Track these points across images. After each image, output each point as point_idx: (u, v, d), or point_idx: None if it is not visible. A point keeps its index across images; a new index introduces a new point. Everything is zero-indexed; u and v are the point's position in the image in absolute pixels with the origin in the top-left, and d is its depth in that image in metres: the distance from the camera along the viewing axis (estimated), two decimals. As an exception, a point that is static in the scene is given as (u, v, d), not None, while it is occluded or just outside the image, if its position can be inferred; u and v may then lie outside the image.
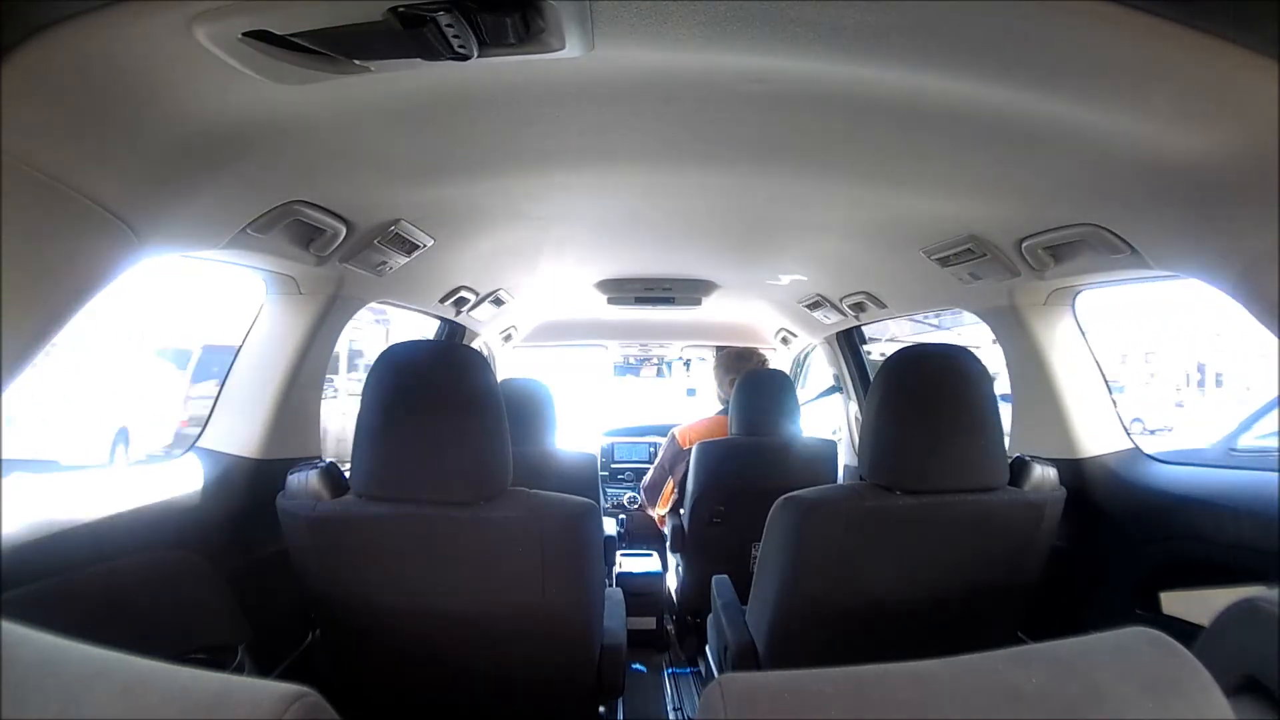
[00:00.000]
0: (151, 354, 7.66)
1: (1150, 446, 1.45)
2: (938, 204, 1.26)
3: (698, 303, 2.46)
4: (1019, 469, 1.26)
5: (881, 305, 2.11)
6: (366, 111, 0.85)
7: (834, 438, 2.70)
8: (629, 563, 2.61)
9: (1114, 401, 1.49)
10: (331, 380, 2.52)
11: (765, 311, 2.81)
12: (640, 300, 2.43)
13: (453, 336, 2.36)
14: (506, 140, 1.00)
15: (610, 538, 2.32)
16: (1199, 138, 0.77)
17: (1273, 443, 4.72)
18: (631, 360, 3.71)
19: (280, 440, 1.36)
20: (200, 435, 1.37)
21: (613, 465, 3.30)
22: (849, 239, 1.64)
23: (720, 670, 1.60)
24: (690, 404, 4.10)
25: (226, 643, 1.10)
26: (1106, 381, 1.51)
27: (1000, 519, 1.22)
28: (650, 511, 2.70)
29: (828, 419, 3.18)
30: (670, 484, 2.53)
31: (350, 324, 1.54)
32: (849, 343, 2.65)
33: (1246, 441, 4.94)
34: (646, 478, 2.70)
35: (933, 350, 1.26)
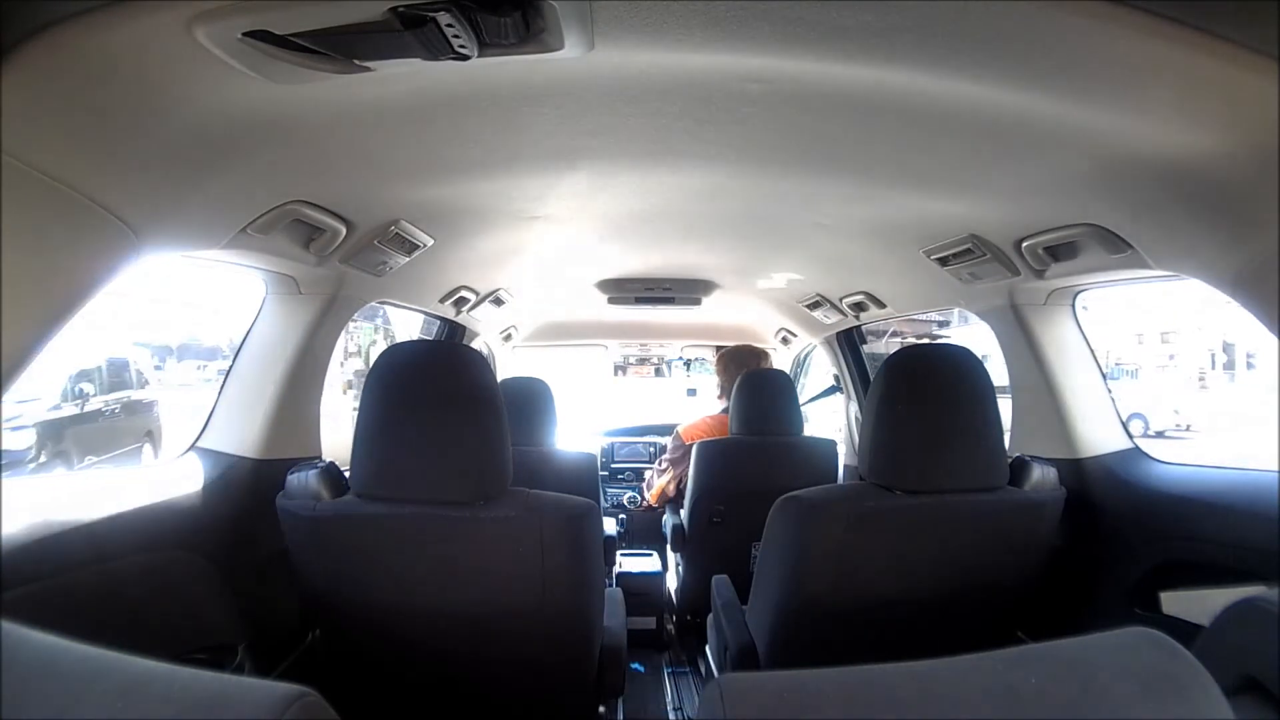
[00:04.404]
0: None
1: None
2: (938, 204, 1.26)
3: (698, 302, 2.46)
4: (1019, 469, 1.26)
5: (881, 305, 2.11)
6: (366, 111, 0.85)
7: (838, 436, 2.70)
8: (629, 563, 2.61)
9: (1114, 401, 1.50)
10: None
11: (765, 311, 2.82)
12: (640, 300, 2.43)
13: (453, 336, 2.36)
14: (506, 140, 1.00)
15: (610, 538, 2.32)
16: (1198, 137, 0.77)
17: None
18: (631, 360, 3.72)
19: (280, 440, 1.36)
20: (200, 435, 1.37)
21: (613, 465, 3.30)
22: (849, 239, 1.64)
23: (720, 670, 1.61)
24: (690, 404, 4.11)
25: (226, 643, 1.10)
26: (1106, 381, 1.51)
27: (1000, 519, 1.22)
28: (652, 501, 2.72)
29: (831, 419, 3.18)
30: (670, 477, 2.54)
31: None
32: (849, 343, 2.65)
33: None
34: (650, 477, 2.71)
35: (932, 350, 1.26)
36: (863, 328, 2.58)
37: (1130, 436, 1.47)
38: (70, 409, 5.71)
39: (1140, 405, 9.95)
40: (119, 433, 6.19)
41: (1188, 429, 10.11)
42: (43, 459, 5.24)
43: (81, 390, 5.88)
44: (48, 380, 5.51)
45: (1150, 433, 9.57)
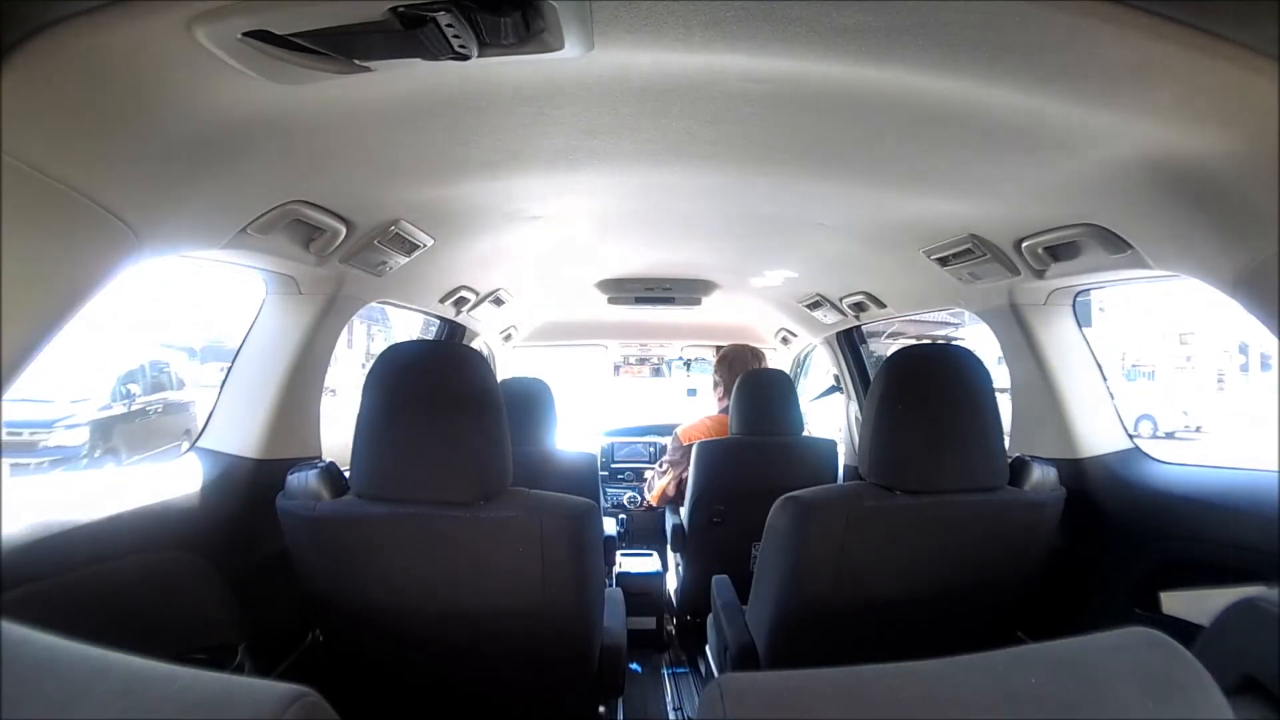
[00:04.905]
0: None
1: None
2: (938, 204, 1.26)
3: (697, 302, 2.46)
4: (1019, 469, 1.26)
5: (881, 305, 2.11)
6: (366, 111, 0.85)
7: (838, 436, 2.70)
8: (629, 563, 2.61)
9: (1113, 400, 1.50)
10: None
11: (765, 311, 2.82)
12: (640, 300, 2.43)
13: (453, 336, 2.36)
14: (506, 140, 1.00)
15: (610, 538, 2.32)
16: (1199, 138, 0.77)
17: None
18: (630, 360, 3.71)
19: (280, 440, 1.36)
20: (200, 435, 1.37)
21: (613, 465, 3.30)
22: (849, 239, 1.64)
23: (720, 670, 1.61)
24: (690, 404, 4.11)
25: (226, 643, 1.10)
26: (1106, 381, 1.51)
27: (1000, 519, 1.22)
28: (652, 502, 2.72)
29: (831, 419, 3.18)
30: (670, 478, 2.55)
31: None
32: (849, 343, 2.65)
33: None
34: (650, 478, 2.72)
35: (932, 350, 1.26)
36: (863, 328, 2.58)
37: (1130, 436, 1.47)
38: (119, 408, 5.96)
39: (1150, 406, 9.86)
40: (161, 431, 6.40)
41: (1197, 430, 10.00)
42: (96, 454, 5.48)
43: (128, 391, 6.12)
44: (98, 381, 5.80)
45: (1160, 434, 9.42)
